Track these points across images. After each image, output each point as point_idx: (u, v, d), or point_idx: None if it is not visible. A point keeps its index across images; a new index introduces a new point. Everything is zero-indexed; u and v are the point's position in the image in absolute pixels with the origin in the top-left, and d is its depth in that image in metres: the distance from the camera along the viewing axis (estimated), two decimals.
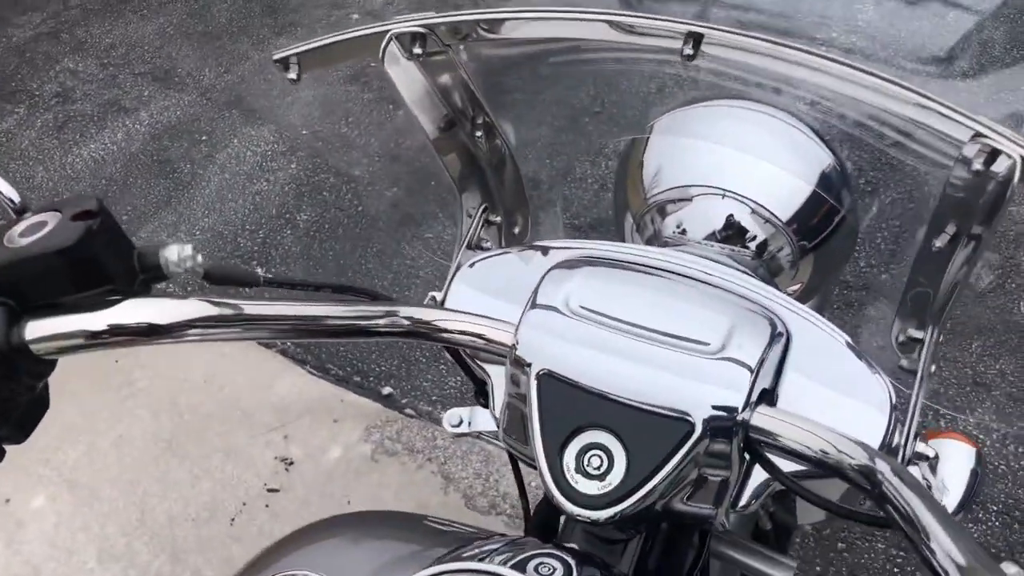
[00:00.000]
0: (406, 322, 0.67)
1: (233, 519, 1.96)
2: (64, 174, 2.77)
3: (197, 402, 2.16)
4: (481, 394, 0.81)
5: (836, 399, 0.68)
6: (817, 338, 0.70)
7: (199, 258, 0.64)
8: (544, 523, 0.84)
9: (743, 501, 0.68)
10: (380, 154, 2.72)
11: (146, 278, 0.63)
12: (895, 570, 1.79)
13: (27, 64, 3.19)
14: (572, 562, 0.61)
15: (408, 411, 2.13)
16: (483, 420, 1.04)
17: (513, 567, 0.59)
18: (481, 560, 0.61)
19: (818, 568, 1.78)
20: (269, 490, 1.99)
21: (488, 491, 1.96)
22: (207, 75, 3.06)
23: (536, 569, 0.60)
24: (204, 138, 2.84)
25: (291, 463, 2.04)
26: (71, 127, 2.93)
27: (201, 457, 2.06)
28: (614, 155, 2.61)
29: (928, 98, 0.64)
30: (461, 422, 1.06)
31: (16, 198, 0.64)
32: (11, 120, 2.98)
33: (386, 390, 2.17)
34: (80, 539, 1.94)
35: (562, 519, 0.82)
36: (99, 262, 0.60)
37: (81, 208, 0.60)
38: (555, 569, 0.60)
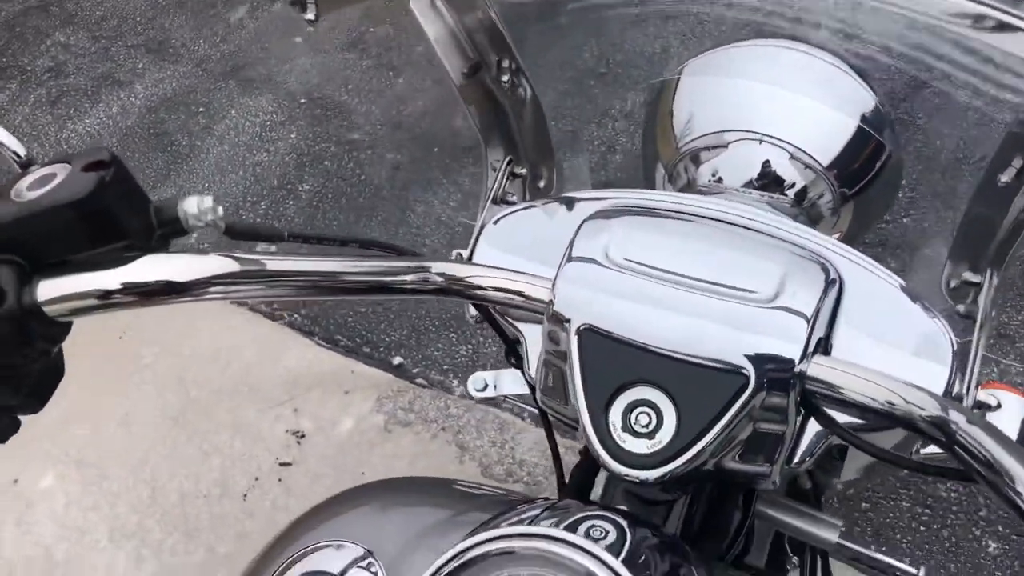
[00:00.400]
0: (439, 278, 0.63)
1: (246, 494, 1.93)
2: (60, 150, 2.72)
3: (204, 377, 2.13)
4: (512, 354, 0.78)
5: (894, 347, 0.65)
6: (871, 284, 0.67)
7: (220, 211, 0.60)
8: (580, 486, 0.81)
9: (797, 458, 0.65)
10: (382, 121, 2.67)
11: (164, 233, 0.59)
12: (921, 528, 1.76)
13: (17, 39, 3.12)
14: (624, 524, 0.58)
15: (419, 381, 2.09)
16: (510, 383, 1.01)
17: (564, 530, 0.55)
18: (530, 524, 0.58)
19: (842, 528, 1.75)
20: (281, 464, 1.97)
21: (504, 459, 1.93)
22: (202, 45, 3.00)
23: (587, 532, 0.57)
24: (201, 110, 2.78)
25: (303, 436, 2.00)
26: (65, 101, 2.87)
27: (211, 433, 2.03)
28: (621, 116, 2.56)
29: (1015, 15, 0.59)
30: (486, 386, 1.03)
31: (22, 151, 0.60)
32: (3, 96, 2.92)
33: (396, 360, 2.14)
34: (91, 518, 1.91)
35: (598, 481, 0.79)
36: (113, 215, 0.55)
37: (92, 159, 0.56)
38: (607, 532, 0.57)
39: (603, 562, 0.51)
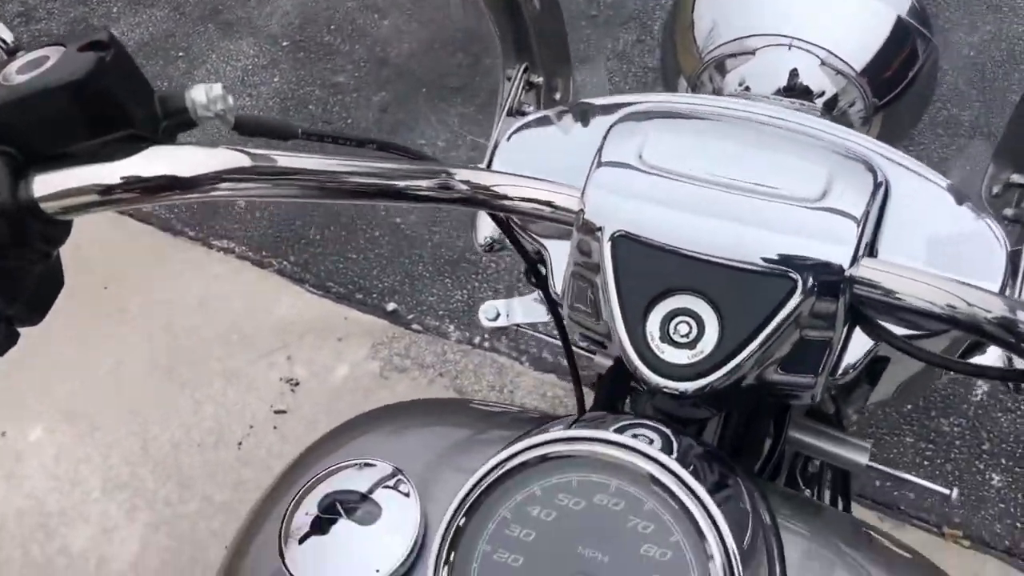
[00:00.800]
0: (462, 186, 0.59)
1: (240, 443, 1.89)
2: None
3: (193, 326, 2.07)
4: (534, 272, 0.74)
5: (943, 251, 0.61)
6: (918, 186, 0.63)
7: (230, 100, 0.55)
8: (607, 405, 0.78)
9: (841, 368, 0.62)
10: (367, 60, 2.59)
11: (170, 124, 0.54)
12: (925, 462, 1.75)
13: None
14: (668, 431, 0.54)
15: (415, 327, 2.05)
16: (523, 311, 0.97)
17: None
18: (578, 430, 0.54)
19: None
20: (276, 412, 1.93)
21: (503, 403, 1.90)
22: None
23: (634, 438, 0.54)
24: (180, 55, 2.70)
25: (297, 384, 1.96)
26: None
27: (202, 383, 1.98)
28: (614, 55, 2.50)
29: None
30: (498, 315, 0.99)
31: (9, 37, 0.54)
32: None
33: (390, 306, 2.10)
34: (83, 470, 1.87)
35: (627, 403, 0.76)
36: (114, 96, 0.50)
37: (90, 39, 0.51)
38: (653, 439, 0.54)
39: (662, 464, 0.48)
